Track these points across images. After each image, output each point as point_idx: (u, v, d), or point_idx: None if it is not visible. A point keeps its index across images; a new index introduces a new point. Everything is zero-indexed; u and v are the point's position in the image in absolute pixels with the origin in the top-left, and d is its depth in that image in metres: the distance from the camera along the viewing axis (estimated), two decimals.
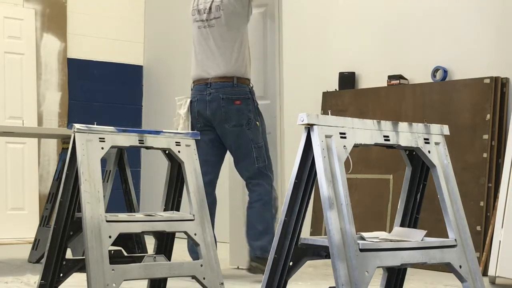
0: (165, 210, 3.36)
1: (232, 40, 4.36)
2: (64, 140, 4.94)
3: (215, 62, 4.37)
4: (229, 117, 4.32)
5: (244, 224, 4.45)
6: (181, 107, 4.44)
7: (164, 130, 3.27)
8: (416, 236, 2.51)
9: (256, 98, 4.46)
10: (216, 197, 4.51)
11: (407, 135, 2.56)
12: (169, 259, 3.33)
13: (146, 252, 4.02)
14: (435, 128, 2.64)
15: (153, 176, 7.51)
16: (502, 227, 4.21)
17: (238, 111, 4.31)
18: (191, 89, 4.49)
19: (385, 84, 5.47)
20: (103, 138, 3.07)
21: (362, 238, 2.43)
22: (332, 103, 5.74)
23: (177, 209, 3.37)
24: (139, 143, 3.19)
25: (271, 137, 4.60)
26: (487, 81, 4.85)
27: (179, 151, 3.26)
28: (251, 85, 4.43)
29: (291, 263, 2.46)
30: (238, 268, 4.79)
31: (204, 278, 3.14)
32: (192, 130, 4.36)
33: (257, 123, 4.37)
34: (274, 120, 4.64)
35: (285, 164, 4.75)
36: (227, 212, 4.92)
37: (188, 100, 4.43)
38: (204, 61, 4.41)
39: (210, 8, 4.40)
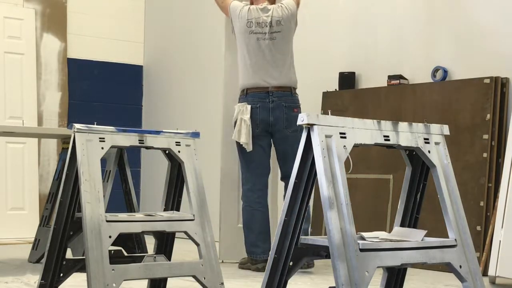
0: (165, 210, 3.36)
1: (287, 53, 4.84)
2: (64, 140, 4.94)
3: (274, 72, 4.79)
4: (289, 123, 4.74)
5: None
6: (244, 113, 4.74)
7: (164, 130, 3.27)
8: (416, 236, 2.51)
9: None
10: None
11: (407, 135, 2.56)
12: (169, 259, 3.33)
13: (146, 252, 4.02)
14: (435, 128, 2.64)
15: (153, 176, 7.51)
16: (502, 227, 4.21)
17: (296, 118, 4.68)
18: (244, 95, 4.81)
19: (385, 84, 5.47)
20: (103, 138, 3.07)
21: (362, 238, 2.43)
22: (332, 103, 5.74)
23: (177, 209, 3.37)
24: (139, 143, 3.19)
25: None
26: (487, 81, 4.85)
27: (179, 151, 3.27)
28: (297, 95, 4.87)
29: (291, 263, 2.46)
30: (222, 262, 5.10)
31: (204, 278, 3.15)
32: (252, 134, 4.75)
33: None
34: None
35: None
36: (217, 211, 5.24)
37: (249, 106, 4.75)
38: (263, 71, 4.79)
39: (271, 22, 4.79)
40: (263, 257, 4.73)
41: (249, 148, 4.72)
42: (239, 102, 4.84)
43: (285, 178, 4.84)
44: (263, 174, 4.86)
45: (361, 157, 5.31)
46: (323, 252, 2.40)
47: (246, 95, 4.80)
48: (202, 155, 3.70)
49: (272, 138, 4.83)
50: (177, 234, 3.37)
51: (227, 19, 5.19)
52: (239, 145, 4.82)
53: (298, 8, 4.90)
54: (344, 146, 2.38)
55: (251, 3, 4.95)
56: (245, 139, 4.69)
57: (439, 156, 2.61)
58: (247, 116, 4.71)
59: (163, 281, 3.38)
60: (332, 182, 2.30)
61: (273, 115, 4.74)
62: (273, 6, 4.85)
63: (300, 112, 4.59)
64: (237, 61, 4.94)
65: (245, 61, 4.83)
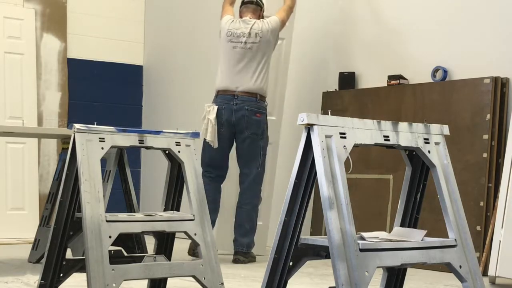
0: (165, 210, 3.36)
1: (261, 63, 5.22)
2: (64, 140, 4.93)
3: (244, 79, 5.19)
4: (249, 125, 5.16)
5: (234, 220, 5.27)
6: (210, 113, 5.16)
7: (164, 130, 3.27)
8: (416, 236, 2.51)
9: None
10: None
11: (407, 135, 2.56)
12: (169, 259, 3.33)
13: (146, 252, 4.02)
14: (435, 128, 2.64)
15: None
16: (502, 227, 4.21)
17: (257, 122, 5.17)
18: (216, 97, 5.25)
19: (385, 84, 5.47)
20: (103, 138, 3.07)
21: (362, 238, 2.43)
22: (332, 103, 5.74)
23: (177, 209, 3.37)
24: (139, 143, 3.19)
25: (272, 147, 5.54)
26: (487, 81, 4.85)
27: (179, 151, 3.27)
28: (266, 103, 5.28)
29: (291, 263, 2.46)
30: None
31: (204, 278, 3.15)
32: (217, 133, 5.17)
33: (268, 135, 5.26)
34: (277, 134, 5.63)
35: (276, 170, 5.66)
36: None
37: (216, 107, 5.16)
38: (234, 76, 5.22)
39: (249, 33, 5.23)
40: None
41: (215, 145, 5.12)
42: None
43: (240, 183, 5.27)
44: (223, 169, 5.27)
45: (361, 157, 5.31)
46: (323, 252, 2.40)
47: (217, 97, 5.24)
48: None
49: (235, 139, 5.23)
50: (177, 234, 3.37)
51: None
52: (204, 142, 5.18)
53: (282, 25, 5.31)
54: (344, 146, 2.38)
55: (240, 17, 5.40)
56: (211, 137, 5.10)
57: (439, 156, 2.61)
58: (212, 116, 5.12)
59: (163, 281, 3.38)
60: (332, 182, 2.30)
61: (235, 116, 5.14)
62: (256, 20, 5.30)
63: (261, 118, 5.03)
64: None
65: (221, 67, 5.29)
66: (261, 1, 5.46)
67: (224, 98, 5.19)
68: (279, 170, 5.68)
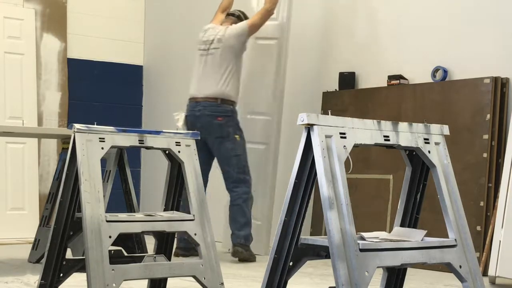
0: (165, 210, 3.36)
1: (224, 68, 5.29)
2: (64, 140, 4.93)
3: (206, 84, 5.30)
4: (212, 130, 5.25)
5: (228, 219, 5.36)
6: (178, 121, 5.31)
7: (164, 130, 3.27)
8: (416, 236, 2.51)
9: (255, 115, 5.55)
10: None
11: (407, 135, 2.56)
12: (169, 259, 3.33)
13: (146, 252, 4.02)
14: (435, 128, 2.64)
15: (153, 176, 7.51)
16: (502, 227, 4.21)
17: (219, 126, 5.24)
18: (187, 105, 5.38)
19: (385, 84, 5.47)
20: (103, 138, 3.07)
21: (362, 238, 2.43)
22: (332, 103, 5.74)
23: (177, 209, 3.37)
24: (139, 143, 3.19)
25: (271, 147, 5.57)
26: (487, 81, 4.85)
27: (179, 151, 3.27)
28: (232, 106, 5.31)
29: (291, 263, 2.46)
30: (229, 250, 5.53)
31: (204, 278, 3.15)
32: None
33: (236, 136, 5.27)
34: (272, 133, 5.59)
35: (277, 171, 5.66)
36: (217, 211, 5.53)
37: (183, 115, 5.32)
38: (199, 83, 5.35)
39: (213, 40, 5.36)
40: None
41: None
42: None
43: (227, 182, 5.31)
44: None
45: (361, 157, 5.31)
46: (323, 252, 2.40)
47: (187, 105, 5.37)
48: None
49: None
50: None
51: None
52: None
53: (252, 29, 5.36)
54: (344, 146, 2.38)
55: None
56: None
57: (439, 156, 2.61)
58: (180, 123, 5.29)
59: (163, 281, 3.38)
60: (332, 182, 2.30)
61: (199, 122, 5.25)
62: (224, 26, 5.43)
63: (223, 121, 5.21)
64: None
65: (192, 75, 5.45)
66: (244, 16, 5.55)
67: (190, 105, 5.34)
68: (279, 170, 5.68)
